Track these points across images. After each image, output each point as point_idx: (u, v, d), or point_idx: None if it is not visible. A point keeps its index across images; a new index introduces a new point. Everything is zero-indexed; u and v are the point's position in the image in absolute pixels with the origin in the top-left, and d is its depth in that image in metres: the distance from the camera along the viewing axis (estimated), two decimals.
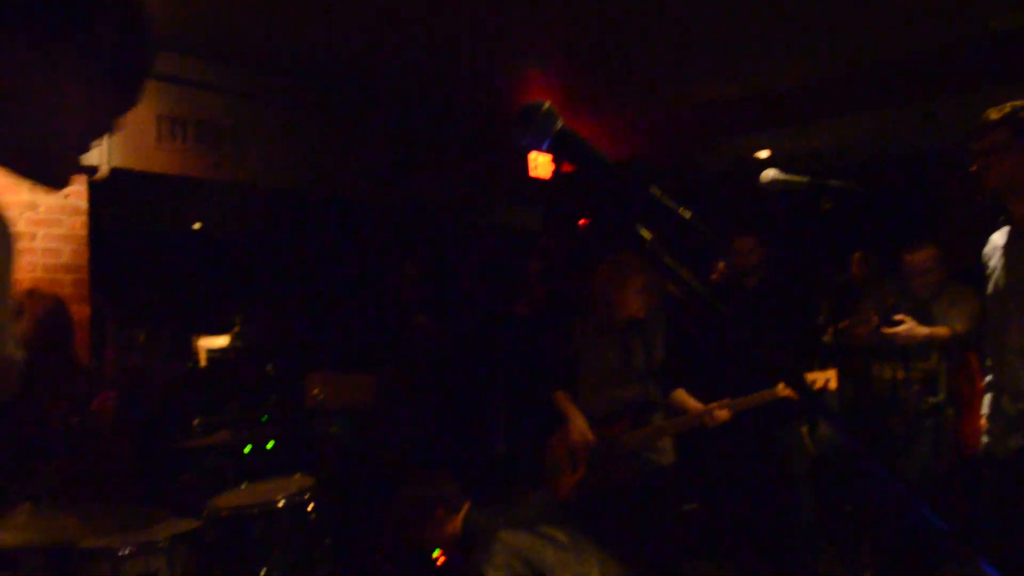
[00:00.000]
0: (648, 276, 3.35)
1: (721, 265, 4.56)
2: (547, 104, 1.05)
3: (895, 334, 3.71)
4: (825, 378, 2.92)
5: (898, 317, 3.71)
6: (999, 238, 2.72)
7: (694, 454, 3.80)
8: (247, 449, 3.99)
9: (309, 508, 2.88)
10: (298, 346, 4.76)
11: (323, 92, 5.14)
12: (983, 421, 2.74)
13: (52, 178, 0.98)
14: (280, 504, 2.80)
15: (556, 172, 6.75)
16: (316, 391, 4.03)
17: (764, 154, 6.05)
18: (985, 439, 2.68)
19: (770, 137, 5.87)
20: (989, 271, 2.73)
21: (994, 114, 2.49)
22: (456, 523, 2.36)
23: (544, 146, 1.05)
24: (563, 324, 3.68)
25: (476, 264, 6.40)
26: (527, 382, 4.96)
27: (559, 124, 1.05)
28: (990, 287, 2.70)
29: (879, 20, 4.50)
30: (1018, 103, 2.49)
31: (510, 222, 7.11)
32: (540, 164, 6.63)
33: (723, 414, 3.21)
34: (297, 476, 3.09)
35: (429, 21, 4.29)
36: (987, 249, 2.78)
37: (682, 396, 3.41)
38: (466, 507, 2.41)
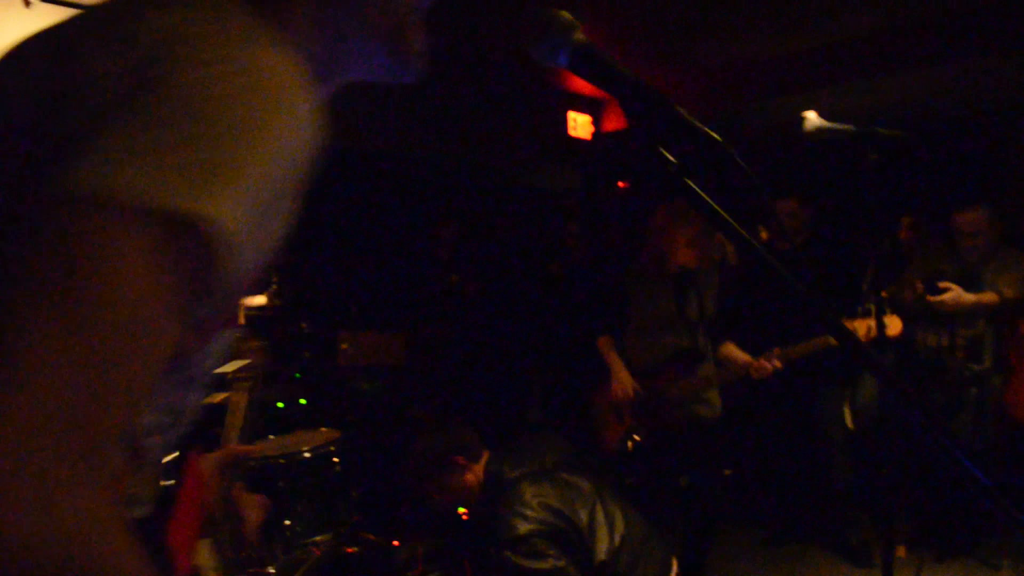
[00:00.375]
0: (699, 227, 3.25)
1: (763, 232, 4.44)
2: (565, 14, 0.96)
3: (941, 302, 3.58)
4: (867, 326, 2.81)
5: (943, 284, 3.57)
6: None
7: (732, 418, 3.72)
8: (280, 404, 4.02)
9: (335, 460, 2.87)
10: (333, 304, 4.75)
11: None
12: None
13: (409, 55, 0.84)
14: (306, 455, 2.80)
15: (596, 133, 6.61)
16: (346, 347, 4.03)
17: (812, 114, 5.81)
18: None
19: (818, 97, 5.65)
20: None
21: None
22: (477, 471, 2.31)
23: (561, 59, 0.97)
24: (611, 274, 3.61)
25: (513, 225, 6.32)
26: (562, 343, 4.92)
27: (578, 36, 0.96)
28: None
29: None
30: None
31: (548, 184, 7.01)
32: (579, 124, 6.50)
33: (771, 364, 3.13)
34: (323, 429, 3.09)
35: None
36: None
37: (731, 349, 3.34)
38: (486, 456, 2.36)
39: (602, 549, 2.18)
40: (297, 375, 4.48)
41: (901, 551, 3.85)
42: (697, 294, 3.33)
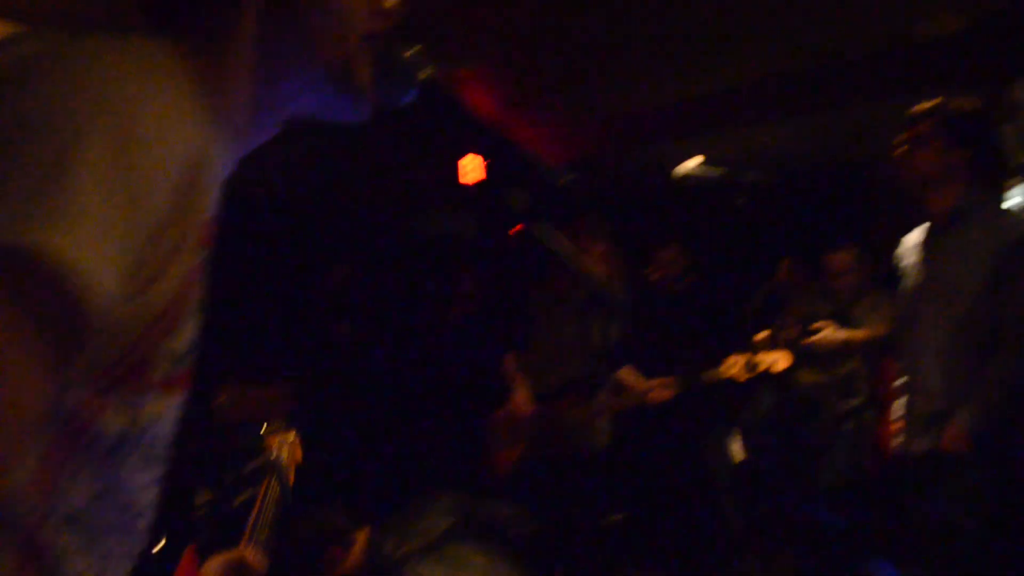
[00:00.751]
0: (609, 244, 3.28)
1: (654, 275, 4.55)
2: (415, 48, 0.92)
3: (816, 343, 3.71)
4: (773, 359, 2.89)
5: (816, 325, 3.72)
6: (914, 236, 2.72)
7: (621, 462, 3.73)
8: None
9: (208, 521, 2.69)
10: (210, 355, 4.52)
11: None
12: (898, 423, 2.73)
13: (360, 91, 0.80)
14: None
15: (488, 179, 6.64)
16: (223, 402, 3.82)
17: (692, 162, 6.04)
18: (899, 440, 2.66)
19: (699, 144, 5.88)
20: (903, 270, 2.72)
21: (922, 106, 2.49)
22: (354, 557, 2.16)
23: (407, 97, 0.93)
24: (519, 296, 3.59)
25: (406, 271, 6.24)
26: (459, 390, 4.84)
27: (427, 73, 0.93)
28: (904, 286, 2.69)
29: (804, 28, 4.53)
30: (945, 99, 2.49)
31: (442, 229, 6.98)
32: (470, 170, 6.51)
33: (665, 392, 3.17)
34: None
35: None
36: (900, 249, 2.78)
37: (629, 374, 3.35)
38: (364, 536, 2.21)
39: None
40: None
41: None
42: (602, 320, 3.35)
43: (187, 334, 0.65)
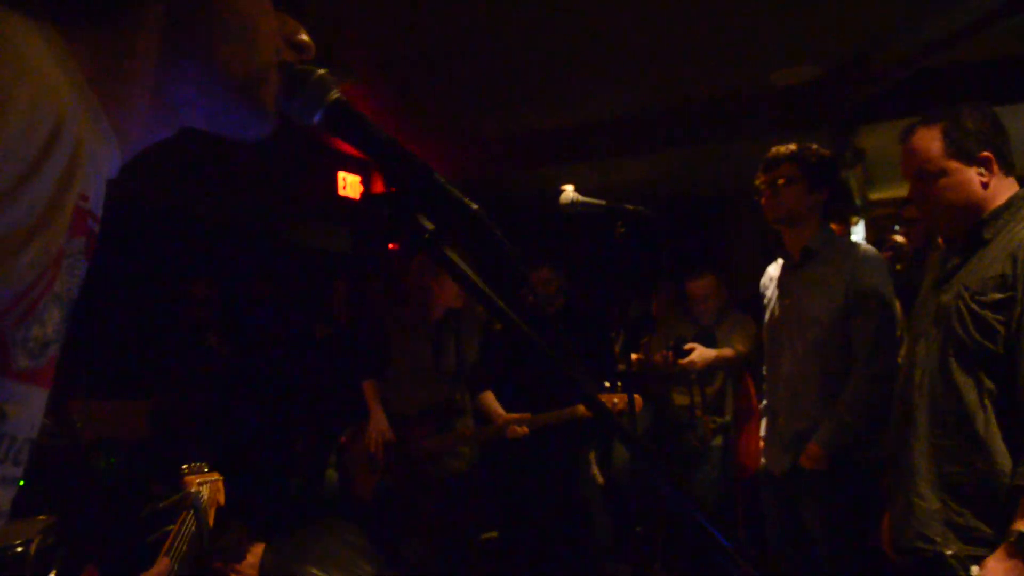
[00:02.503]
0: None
1: (530, 297, 4.62)
2: (321, 71, 0.92)
3: (689, 362, 3.87)
4: (615, 400, 2.99)
5: (688, 346, 3.90)
6: (774, 269, 2.91)
7: (493, 481, 3.76)
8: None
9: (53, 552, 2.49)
10: (63, 368, 4.20)
11: None
12: (761, 442, 2.91)
13: (262, 110, 0.78)
14: (18, 550, 2.40)
15: (365, 193, 6.58)
16: (77, 421, 3.57)
17: (569, 187, 6.21)
18: (763, 459, 2.84)
19: (576, 171, 6.07)
20: (766, 301, 2.91)
21: (782, 150, 2.67)
22: (246, 574, 2.07)
23: (315, 118, 0.92)
24: (375, 321, 3.53)
25: (276, 285, 6.05)
26: (327, 404, 4.73)
27: (334, 95, 0.92)
28: (767, 316, 2.88)
29: (676, 67, 4.79)
30: (802, 144, 2.69)
31: (317, 243, 6.83)
32: (349, 184, 6.43)
33: (522, 428, 3.21)
34: (42, 517, 2.68)
35: None
36: (764, 280, 2.97)
37: (489, 400, 3.38)
38: (258, 552, 2.13)
39: None
40: None
41: None
42: (456, 343, 3.37)
43: (50, 325, 0.61)
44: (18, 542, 2.45)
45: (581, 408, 3.31)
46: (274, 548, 2.15)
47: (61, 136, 0.55)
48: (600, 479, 4.32)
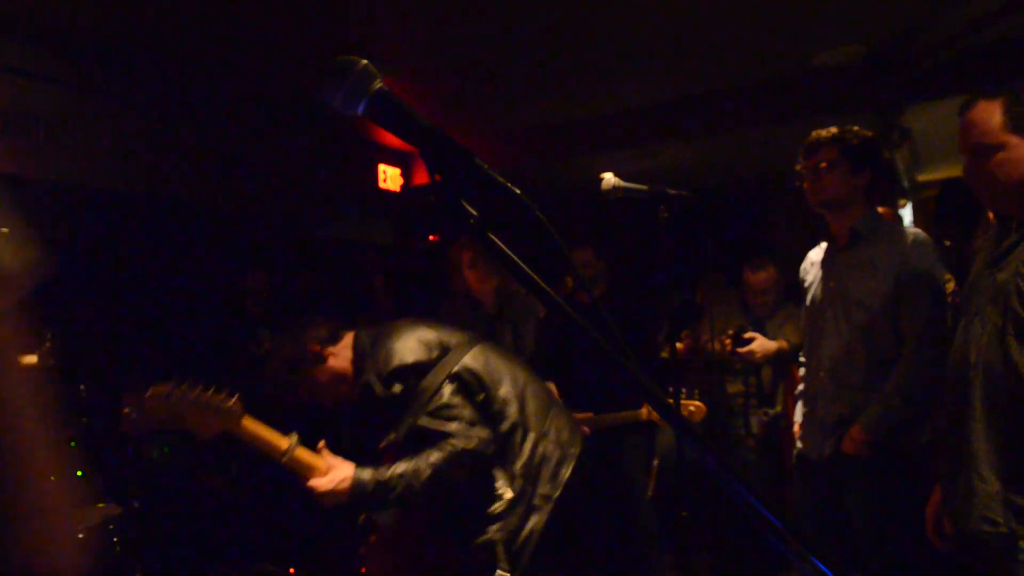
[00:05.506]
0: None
1: (568, 280, 4.58)
2: (363, 62, 0.94)
3: (749, 352, 3.75)
4: (690, 409, 2.99)
5: (748, 335, 3.77)
6: (816, 254, 2.87)
7: None
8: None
9: (114, 540, 2.58)
10: (119, 363, 4.32)
11: (157, 86, 4.77)
12: (796, 428, 2.86)
13: None
14: (79, 536, 2.49)
15: (406, 186, 6.62)
16: (128, 411, 3.67)
17: (609, 174, 6.18)
18: (799, 444, 2.79)
19: (615, 158, 6.03)
20: (807, 286, 2.87)
21: (823, 134, 2.63)
22: (342, 354, 2.24)
23: (359, 108, 0.94)
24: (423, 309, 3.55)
25: (322, 277, 6.14)
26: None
27: (377, 84, 0.94)
28: (807, 300, 2.84)
29: (716, 51, 4.72)
30: (843, 127, 2.64)
31: (358, 236, 6.90)
32: (390, 176, 6.48)
33: (584, 429, 3.19)
34: (100, 506, 2.78)
35: (274, 18, 4.07)
36: (804, 264, 2.93)
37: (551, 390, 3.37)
38: (350, 336, 2.27)
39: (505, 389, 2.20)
40: (72, 444, 4.02)
41: None
42: (513, 334, 3.35)
43: None
44: (79, 527, 2.54)
45: (645, 411, 3.32)
46: (364, 330, 2.33)
47: None
48: (651, 492, 4.28)
